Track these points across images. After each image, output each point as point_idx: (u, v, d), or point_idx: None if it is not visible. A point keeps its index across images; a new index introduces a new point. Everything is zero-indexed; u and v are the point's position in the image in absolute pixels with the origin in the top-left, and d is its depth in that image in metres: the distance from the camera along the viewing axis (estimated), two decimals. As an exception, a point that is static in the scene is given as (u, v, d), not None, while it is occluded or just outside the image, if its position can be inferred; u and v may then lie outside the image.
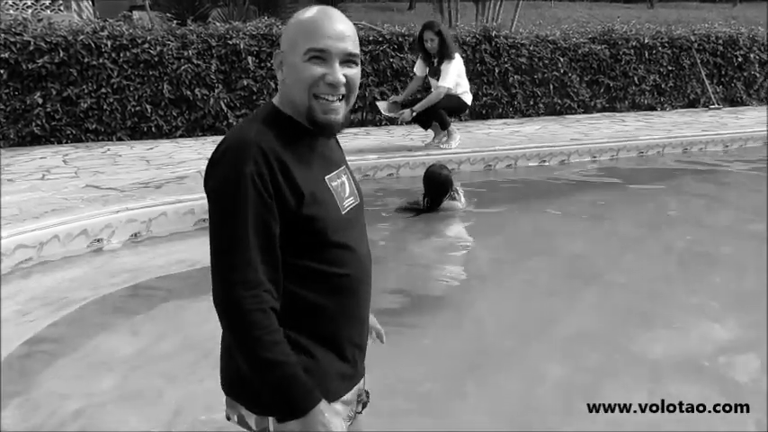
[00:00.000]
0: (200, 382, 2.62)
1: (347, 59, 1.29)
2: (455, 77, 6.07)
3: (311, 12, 1.29)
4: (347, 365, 1.37)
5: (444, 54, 6.01)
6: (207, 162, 1.29)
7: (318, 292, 1.30)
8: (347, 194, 1.37)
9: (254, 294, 1.21)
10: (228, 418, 1.40)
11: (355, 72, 1.31)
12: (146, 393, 2.62)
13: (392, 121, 5.95)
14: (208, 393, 2.44)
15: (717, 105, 10.06)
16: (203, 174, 1.30)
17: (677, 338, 3.09)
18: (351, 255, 1.34)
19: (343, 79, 1.28)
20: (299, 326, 1.28)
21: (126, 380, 2.73)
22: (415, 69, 6.51)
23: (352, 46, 1.29)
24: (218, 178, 1.24)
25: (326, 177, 1.34)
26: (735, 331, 3.17)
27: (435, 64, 6.13)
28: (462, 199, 5.03)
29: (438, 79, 6.10)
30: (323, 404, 1.24)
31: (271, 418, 1.29)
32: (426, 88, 6.61)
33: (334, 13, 1.29)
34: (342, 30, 1.28)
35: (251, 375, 1.23)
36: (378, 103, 6.61)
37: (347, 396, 1.38)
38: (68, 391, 2.64)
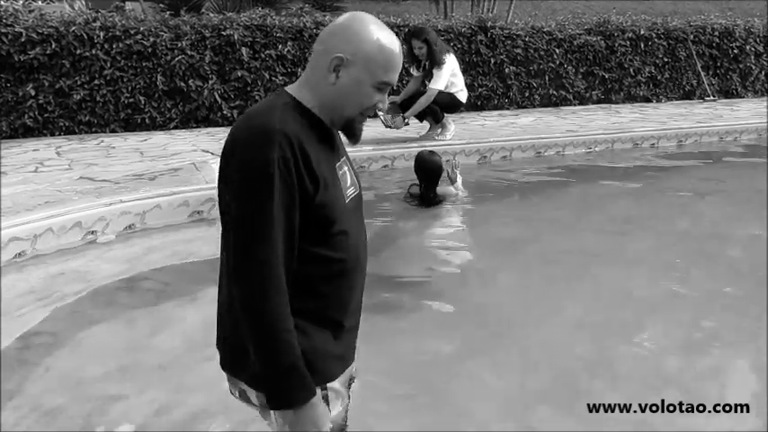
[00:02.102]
0: (194, 372, 2.61)
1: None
2: (446, 79, 6.09)
3: (388, 38, 1.33)
4: (341, 347, 1.41)
5: (433, 61, 6.02)
6: (227, 144, 1.30)
7: (316, 274, 1.33)
8: (349, 184, 1.41)
9: (275, 278, 1.23)
10: (232, 393, 1.44)
11: None
12: (140, 385, 2.61)
13: (386, 125, 6.05)
14: (203, 384, 2.44)
15: (712, 97, 10.07)
16: (223, 156, 1.30)
17: (676, 335, 3.09)
18: (348, 241, 1.38)
19: None
20: (296, 305, 1.30)
21: (121, 372, 2.72)
22: (412, 70, 6.51)
23: None
24: (244, 162, 1.25)
25: (336, 166, 1.38)
26: (734, 329, 3.15)
27: (427, 67, 6.14)
28: (461, 186, 5.04)
29: (430, 81, 6.12)
30: (316, 398, 1.26)
31: None
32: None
33: (399, 43, 1.37)
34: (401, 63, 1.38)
35: (256, 358, 1.25)
36: None
37: (341, 377, 1.41)
38: (63, 384, 2.63)
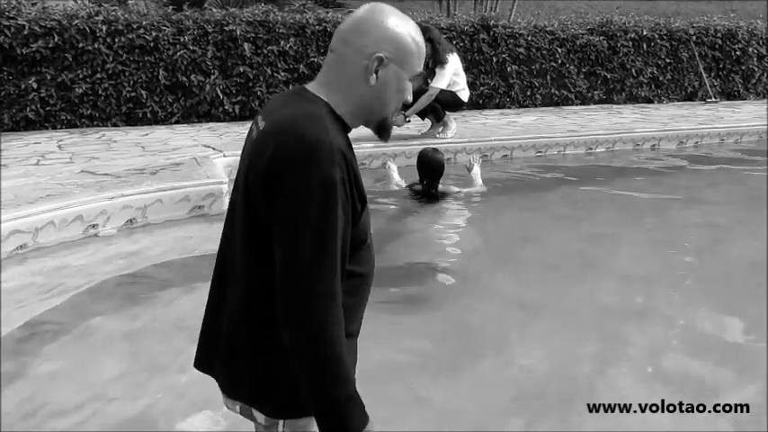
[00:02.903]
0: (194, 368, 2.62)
1: None
2: (449, 78, 6.12)
3: (414, 27, 1.31)
4: (351, 358, 1.38)
5: (437, 60, 6.04)
6: (274, 154, 1.19)
7: (343, 291, 1.26)
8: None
9: (336, 306, 1.18)
10: (229, 408, 1.40)
11: None
12: (139, 379, 2.62)
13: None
14: (202, 379, 2.45)
15: (714, 99, 10.06)
16: (269, 165, 1.19)
17: (674, 333, 3.10)
18: (369, 254, 1.36)
19: None
20: None
21: (120, 366, 2.73)
22: None
23: None
24: (304, 184, 1.15)
25: None
26: (734, 329, 3.16)
27: (430, 65, 6.15)
28: (479, 175, 5.13)
29: (432, 80, 6.14)
30: (370, 423, 1.23)
31: (281, 421, 1.29)
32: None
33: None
34: None
35: (311, 387, 1.19)
36: None
37: None
38: (63, 376, 2.65)
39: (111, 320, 3.17)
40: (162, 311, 3.26)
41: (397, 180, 5.24)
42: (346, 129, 1.30)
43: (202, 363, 1.42)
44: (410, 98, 1.34)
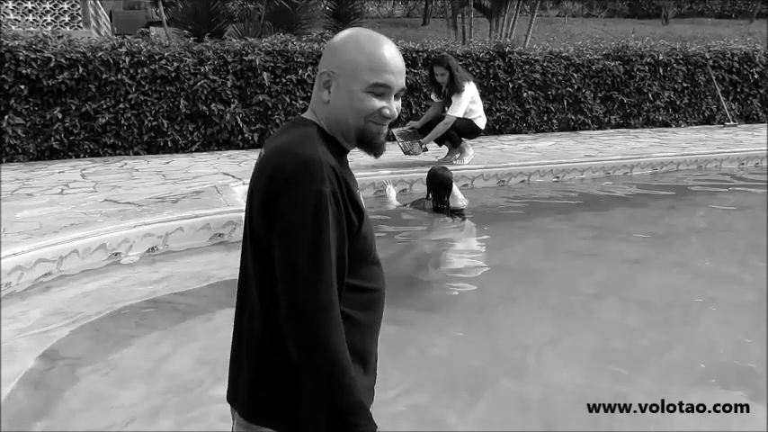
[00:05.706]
0: (215, 396, 2.63)
1: (399, 92, 1.35)
2: (465, 106, 6.20)
3: (371, 41, 1.31)
4: (371, 378, 1.40)
5: (453, 88, 6.14)
6: (269, 178, 1.25)
7: (351, 306, 1.31)
8: (365, 209, 1.38)
9: (336, 316, 1.22)
10: None
11: (400, 102, 1.39)
12: (161, 407, 2.64)
13: (404, 151, 6.25)
14: (223, 407, 2.47)
15: (732, 122, 10.02)
16: (264, 190, 1.26)
17: (679, 343, 3.09)
18: (379, 270, 1.39)
19: (397, 113, 1.35)
20: None
21: (142, 393, 2.75)
22: (432, 96, 6.64)
23: (404, 80, 1.36)
24: (295, 199, 1.21)
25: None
26: (734, 332, 3.17)
27: (447, 94, 6.24)
28: (459, 193, 5.32)
29: (449, 108, 6.23)
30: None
31: None
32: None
33: (394, 47, 1.34)
34: (402, 65, 1.34)
35: (316, 398, 1.21)
36: (393, 130, 6.66)
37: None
38: (85, 404, 2.67)
39: (133, 347, 3.20)
40: (183, 338, 3.28)
41: (395, 203, 5.43)
42: (341, 147, 1.36)
43: (230, 394, 1.43)
44: (388, 112, 1.32)
